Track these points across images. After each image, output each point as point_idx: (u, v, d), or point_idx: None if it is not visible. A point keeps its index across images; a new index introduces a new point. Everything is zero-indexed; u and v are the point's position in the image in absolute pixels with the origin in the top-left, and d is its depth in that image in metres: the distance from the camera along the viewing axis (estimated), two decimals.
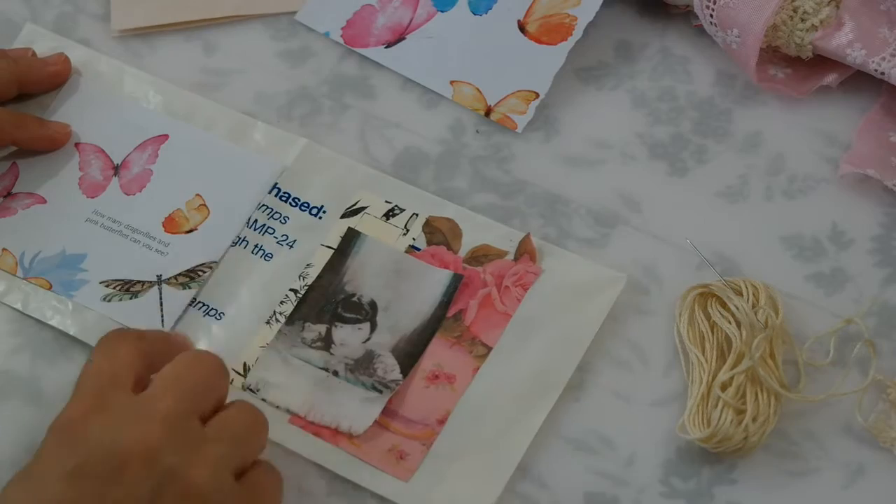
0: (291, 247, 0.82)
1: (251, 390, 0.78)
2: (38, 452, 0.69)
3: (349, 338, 0.79)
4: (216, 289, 0.81)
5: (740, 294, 0.78)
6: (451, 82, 0.86)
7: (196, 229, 0.82)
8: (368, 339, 0.79)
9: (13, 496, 0.68)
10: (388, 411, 0.77)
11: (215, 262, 0.81)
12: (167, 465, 0.68)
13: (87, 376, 0.71)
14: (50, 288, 0.81)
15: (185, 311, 0.80)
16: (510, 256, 0.81)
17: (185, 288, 0.80)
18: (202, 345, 0.79)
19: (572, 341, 0.79)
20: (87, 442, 0.68)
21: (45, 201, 0.84)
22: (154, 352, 0.73)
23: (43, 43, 0.88)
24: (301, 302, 0.80)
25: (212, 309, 0.80)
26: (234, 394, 0.77)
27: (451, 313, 0.80)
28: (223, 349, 0.78)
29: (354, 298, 0.80)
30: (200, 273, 0.81)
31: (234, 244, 0.82)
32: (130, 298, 0.80)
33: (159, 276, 0.81)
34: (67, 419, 0.69)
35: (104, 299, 0.80)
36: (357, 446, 0.76)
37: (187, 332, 0.79)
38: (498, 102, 0.86)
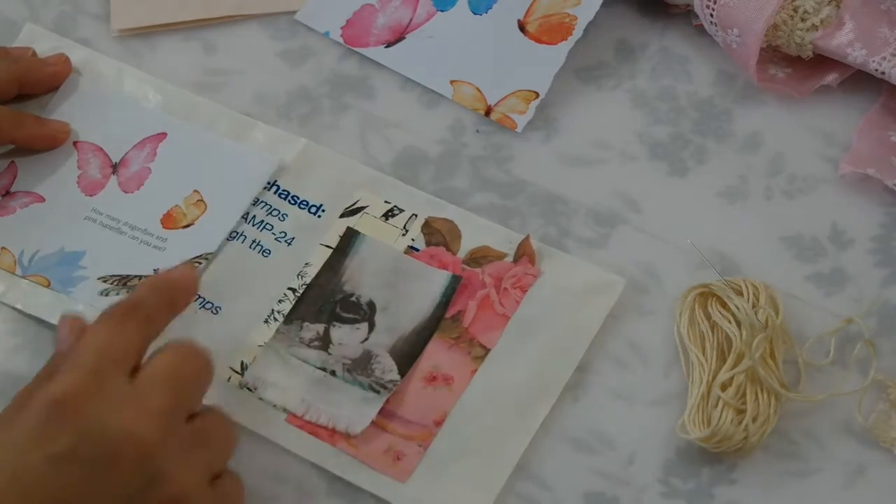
0: (290, 244, 0.82)
1: (248, 389, 0.78)
2: (20, 422, 0.67)
3: (347, 338, 0.79)
4: (213, 282, 0.80)
5: (740, 294, 0.78)
6: (451, 82, 0.86)
7: (193, 224, 0.82)
8: (366, 339, 0.79)
9: None
10: (385, 412, 0.77)
11: (211, 254, 0.81)
12: (158, 466, 0.67)
13: (87, 348, 0.69)
14: (48, 285, 0.81)
15: None
16: (509, 258, 0.81)
17: None
18: (198, 339, 0.79)
19: (570, 344, 0.78)
20: (80, 425, 0.66)
21: (43, 200, 0.84)
22: (153, 336, 0.72)
23: (43, 43, 0.88)
24: (299, 301, 0.80)
25: (208, 302, 0.80)
26: (234, 391, 0.78)
27: (449, 314, 0.80)
28: (220, 344, 0.78)
29: (353, 298, 0.80)
30: (196, 265, 0.81)
31: (231, 238, 0.82)
32: (128, 292, 0.80)
33: (156, 270, 0.81)
34: (62, 395, 0.67)
35: (102, 294, 0.80)
36: (354, 447, 0.76)
37: (182, 324, 0.79)
38: (498, 102, 0.85)
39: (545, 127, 0.85)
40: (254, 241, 0.82)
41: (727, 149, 0.84)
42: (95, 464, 0.66)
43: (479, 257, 0.81)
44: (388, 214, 0.82)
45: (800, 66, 0.85)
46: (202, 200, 0.83)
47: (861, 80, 0.84)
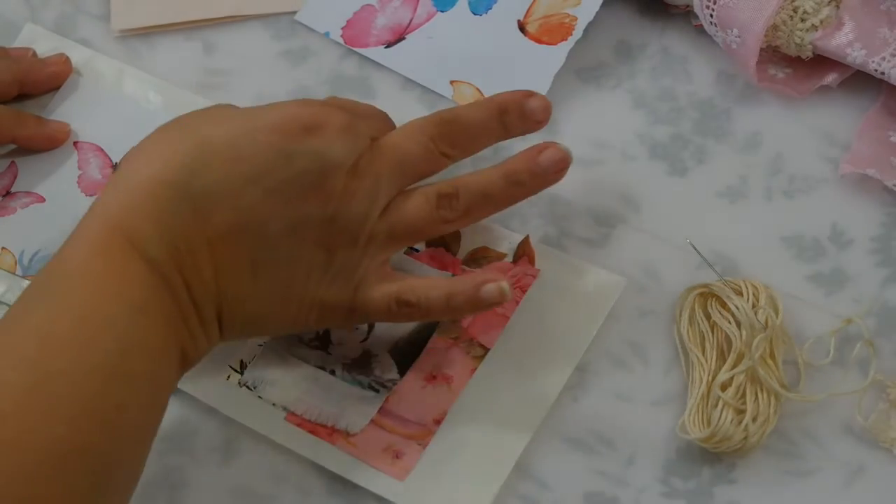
0: None
1: (248, 387, 0.78)
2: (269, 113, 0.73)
3: (347, 337, 0.79)
4: None
5: (740, 294, 0.78)
6: (452, 82, 0.86)
7: None
8: (366, 338, 0.79)
9: None
10: (384, 411, 0.77)
11: None
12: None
13: (384, 144, 0.75)
14: None
15: None
16: (509, 259, 0.81)
17: None
18: None
19: (570, 344, 0.78)
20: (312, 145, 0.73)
21: (43, 200, 0.84)
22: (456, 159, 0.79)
23: (43, 43, 0.88)
24: None
25: None
26: (233, 390, 0.78)
27: None
28: (220, 345, 0.78)
29: None
30: None
31: None
32: None
33: None
34: (316, 123, 0.73)
35: None
36: (353, 445, 0.76)
37: None
38: None
39: (545, 127, 0.85)
40: None
41: (727, 149, 0.84)
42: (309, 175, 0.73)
43: (479, 258, 0.81)
44: None
45: (800, 66, 0.85)
46: None
47: (861, 80, 0.84)
